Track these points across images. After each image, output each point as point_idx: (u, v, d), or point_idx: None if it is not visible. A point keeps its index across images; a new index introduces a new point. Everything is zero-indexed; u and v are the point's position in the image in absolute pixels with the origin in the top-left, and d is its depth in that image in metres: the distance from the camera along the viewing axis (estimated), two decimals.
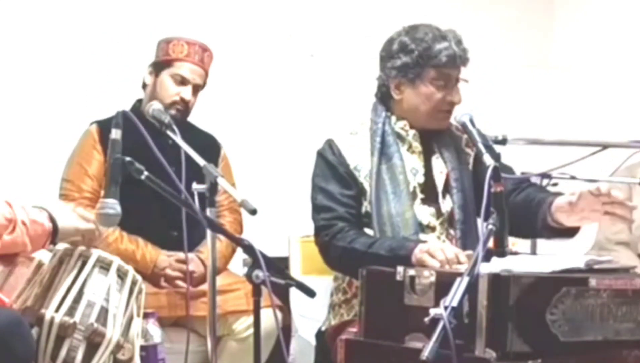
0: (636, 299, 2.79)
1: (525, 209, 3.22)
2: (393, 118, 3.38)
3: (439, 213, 3.34)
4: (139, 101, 3.97)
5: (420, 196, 3.33)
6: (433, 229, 3.32)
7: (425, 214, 3.32)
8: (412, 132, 3.37)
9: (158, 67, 3.95)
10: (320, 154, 3.40)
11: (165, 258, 3.86)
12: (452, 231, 3.33)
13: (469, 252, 3.08)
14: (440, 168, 3.36)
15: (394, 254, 3.11)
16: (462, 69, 3.35)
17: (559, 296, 2.68)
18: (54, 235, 2.87)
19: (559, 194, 3.23)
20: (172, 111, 3.82)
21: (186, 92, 3.91)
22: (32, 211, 2.84)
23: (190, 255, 3.76)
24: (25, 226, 2.78)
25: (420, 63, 3.30)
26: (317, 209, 3.35)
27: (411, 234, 3.26)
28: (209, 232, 3.15)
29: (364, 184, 3.33)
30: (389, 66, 3.35)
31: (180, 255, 3.79)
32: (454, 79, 3.33)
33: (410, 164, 3.35)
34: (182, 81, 3.92)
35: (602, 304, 2.74)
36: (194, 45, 3.96)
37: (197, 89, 3.96)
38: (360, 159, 3.35)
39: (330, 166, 3.35)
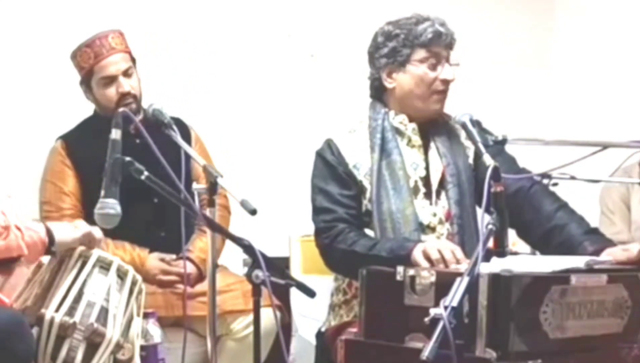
0: (608, 294, 2.83)
1: (556, 237, 3.25)
2: (392, 113, 3.38)
3: (436, 212, 3.34)
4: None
5: (422, 190, 3.33)
6: (433, 229, 3.32)
7: (427, 214, 3.32)
8: (411, 126, 3.36)
9: (86, 83, 3.92)
10: (319, 155, 3.39)
11: (155, 263, 3.84)
12: (449, 227, 3.33)
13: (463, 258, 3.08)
14: (437, 165, 3.36)
15: (395, 255, 3.10)
16: (451, 53, 3.36)
17: (548, 296, 2.70)
18: (51, 244, 2.86)
19: (596, 237, 3.24)
20: (124, 109, 3.76)
21: (121, 85, 3.86)
22: (27, 221, 2.83)
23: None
24: (20, 230, 2.78)
25: (407, 45, 3.31)
26: (316, 211, 3.35)
27: (412, 230, 3.26)
28: (209, 232, 3.15)
29: (364, 182, 3.32)
30: (377, 56, 3.36)
31: (173, 259, 3.80)
32: (443, 57, 3.34)
33: (410, 158, 3.35)
34: (110, 79, 3.87)
35: (581, 301, 2.78)
36: (93, 42, 3.88)
37: (128, 71, 3.89)
38: (359, 158, 3.34)
39: (329, 166, 3.35)
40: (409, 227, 3.26)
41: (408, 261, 3.01)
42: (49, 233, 2.86)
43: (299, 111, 5.05)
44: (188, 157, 3.27)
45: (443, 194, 3.34)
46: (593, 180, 3.41)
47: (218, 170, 3.75)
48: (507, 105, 5.42)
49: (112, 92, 3.86)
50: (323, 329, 3.45)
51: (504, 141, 3.34)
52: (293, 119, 5.03)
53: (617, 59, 5.40)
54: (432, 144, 3.39)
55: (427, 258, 3.00)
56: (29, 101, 4.47)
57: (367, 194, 3.32)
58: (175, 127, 3.49)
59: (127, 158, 2.94)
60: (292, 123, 5.01)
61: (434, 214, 3.32)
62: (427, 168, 3.36)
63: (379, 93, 3.41)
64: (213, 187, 3.17)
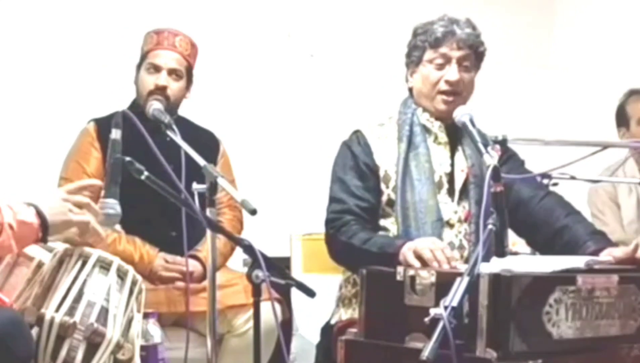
0: (617, 296, 2.83)
1: (560, 239, 3.26)
2: (420, 110, 3.40)
3: (457, 210, 3.34)
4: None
5: (446, 186, 3.34)
6: (452, 226, 3.32)
7: (448, 210, 3.32)
8: (437, 123, 3.38)
9: (139, 65, 3.95)
10: (346, 144, 3.41)
11: (160, 262, 3.85)
12: (467, 227, 3.33)
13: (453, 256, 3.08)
14: (462, 166, 3.37)
15: (383, 251, 3.12)
16: (470, 55, 3.36)
17: (552, 296, 2.70)
18: (44, 231, 2.83)
19: (600, 238, 3.25)
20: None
21: (160, 78, 3.86)
22: (20, 211, 2.78)
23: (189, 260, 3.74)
24: (12, 229, 2.75)
25: (420, 45, 3.35)
26: (330, 199, 3.37)
27: (434, 221, 3.27)
28: (209, 232, 3.15)
29: (389, 171, 3.33)
30: (405, 54, 3.42)
31: (178, 259, 3.80)
32: (453, 58, 3.35)
33: (436, 154, 3.36)
34: (156, 68, 3.88)
35: (589, 302, 2.78)
36: (162, 32, 3.93)
37: (174, 73, 3.90)
38: (386, 148, 3.36)
39: (353, 156, 3.36)
40: (432, 217, 3.27)
41: (395, 260, 3.01)
42: (43, 222, 2.80)
43: (298, 110, 5.05)
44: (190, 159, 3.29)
45: (465, 195, 3.34)
46: (593, 180, 3.41)
47: (235, 180, 3.79)
48: (507, 105, 5.43)
49: (150, 80, 3.87)
50: (332, 322, 3.41)
51: (504, 141, 3.34)
52: (293, 118, 5.03)
53: (617, 59, 5.40)
54: (459, 146, 3.40)
55: (419, 257, 3.00)
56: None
57: (392, 183, 3.32)
58: (175, 128, 3.50)
59: (127, 158, 2.93)
60: (292, 123, 5.02)
61: (455, 212, 3.32)
62: (452, 165, 3.37)
63: (411, 90, 3.44)
64: (213, 187, 3.17)
